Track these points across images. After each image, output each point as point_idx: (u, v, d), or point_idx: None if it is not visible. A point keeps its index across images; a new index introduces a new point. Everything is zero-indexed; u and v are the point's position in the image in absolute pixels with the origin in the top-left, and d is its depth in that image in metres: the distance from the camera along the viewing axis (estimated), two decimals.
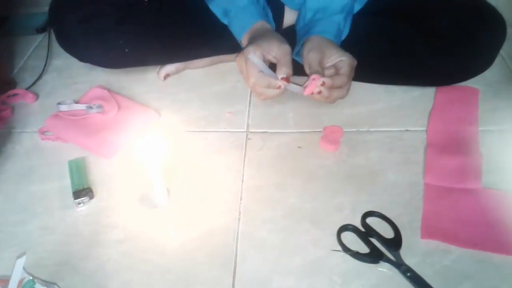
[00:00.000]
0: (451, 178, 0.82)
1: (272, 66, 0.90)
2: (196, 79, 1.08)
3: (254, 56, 0.86)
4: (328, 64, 0.88)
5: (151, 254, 0.74)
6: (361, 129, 0.93)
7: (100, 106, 0.96)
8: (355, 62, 0.88)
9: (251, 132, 0.94)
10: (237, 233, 0.77)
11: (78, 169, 0.86)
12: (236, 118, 0.97)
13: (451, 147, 0.87)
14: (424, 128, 0.92)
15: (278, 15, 1.03)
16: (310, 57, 0.88)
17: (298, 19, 0.98)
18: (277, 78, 0.86)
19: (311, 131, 0.93)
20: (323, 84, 0.85)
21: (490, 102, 0.97)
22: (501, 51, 0.99)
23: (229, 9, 0.95)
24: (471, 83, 0.99)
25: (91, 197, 0.82)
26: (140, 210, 0.81)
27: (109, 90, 1.02)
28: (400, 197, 0.80)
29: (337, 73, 0.88)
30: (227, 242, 0.75)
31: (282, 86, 0.86)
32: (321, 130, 0.92)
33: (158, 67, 1.08)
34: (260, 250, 0.74)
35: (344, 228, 0.75)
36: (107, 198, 0.83)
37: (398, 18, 0.95)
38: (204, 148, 0.91)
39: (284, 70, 0.87)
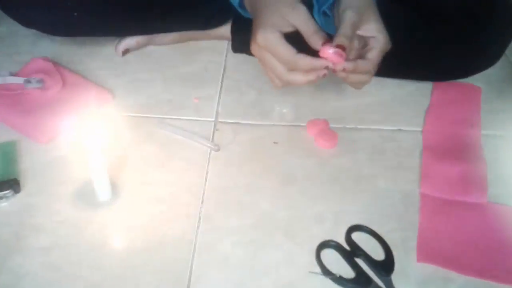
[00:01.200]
0: (451, 188, 0.70)
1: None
2: (161, 57, 0.93)
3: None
4: (360, 33, 0.70)
5: (84, 268, 0.60)
6: (347, 126, 0.80)
7: (40, 81, 0.80)
8: (389, 47, 0.71)
9: (220, 122, 0.80)
10: (195, 245, 0.63)
11: (4, 156, 0.70)
12: (204, 104, 0.83)
13: (451, 151, 0.76)
14: (419, 128, 0.80)
15: None
16: (346, 16, 0.68)
17: None
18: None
19: (290, 125, 0.80)
20: (344, 70, 0.67)
21: (492, 103, 0.86)
22: None
23: None
24: (471, 81, 0.88)
25: (17, 191, 0.67)
26: (76, 210, 0.66)
27: (54, 63, 0.86)
28: (392, 208, 0.68)
29: (365, 49, 0.71)
30: (181, 256, 0.61)
31: (330, 65, 0.66)
32: (301, 124, 0.79)
33: (117, 39, 0.93)
34: (222, 268, 0.60)
35: (325, 244, 0.62)
36: (36, 193, 0.68)
37: None
38: (163, 138, 0.77)
39: (316, 37, 0.65)
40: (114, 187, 0.68)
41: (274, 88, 0.70)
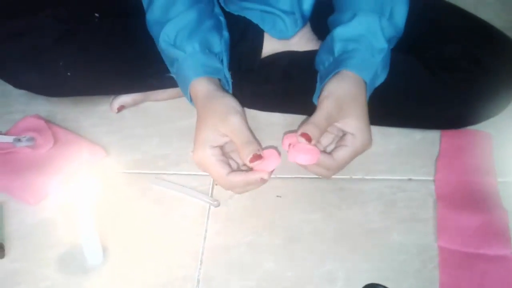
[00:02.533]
0: (471, 240, 0.65)
1: None
2: (157, 112, 0.90)
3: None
4: (339, 126, 0.67)
5: None
6: (354, 176, 0.75)
7: (31, 139, 0.77)
8: (367, 147, 0.67)
9: None
10: None
11: None
12: None
13: (468, 201, 0.71)
14: (430, 178, 0.76)
15: (256, 42, 0.87)
16: (323, 104, 0.65)
17: (319, 55, 0.75)
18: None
19: (294, 177, 0.75)
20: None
21: (505, 149, 0.81)
22: None
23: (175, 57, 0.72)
24: (480, 128, 0.84)
25: (1, 257, 0.61)
26: (64, 276, 0.61)
27: (47, 121, 0.83)
28: (408, 264, 0.62)
29: (338, 142, 0.68)
30: None
31: (266, 177, 0.64)
32: (304, 176, 0.75)
33: (112, 97, 0.90)
34: None
35: None
36: (21, 258, 0.63)
37: (398, 46, 0.80)
38: (158, 195, 0.72)
39: (246, 150, 0.62)
40: (105, 250, 0.63)
41: None
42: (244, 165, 0.65)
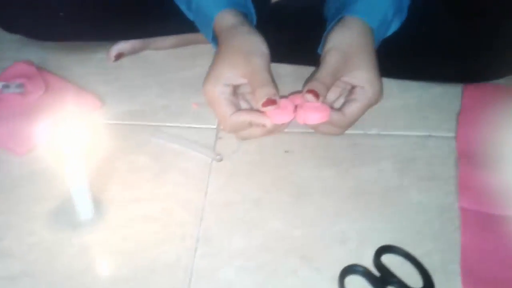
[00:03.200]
0: (496, 202, 0.59)
1: None
2: (158, 61, 0.84)
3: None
4: (346, 79, 0.62)
5: None
6: (368, 132, 0.69)
7: (20, 85, 0.71)
8: (379, 100, 0.62)
9: (223, 129, 0.70)
10: (191, 272, 0.52)
11: None
12: (205, 110, 0.73)
13: (491, 160, 0.65)
14: (451, 134, 0.70)
15: None
16: (328, 58, 0.61)
17: (327, 1, 0.71)
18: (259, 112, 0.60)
19: (303, 132, 0.69)
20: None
21: None
22: None
23: None
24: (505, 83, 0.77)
25: None
26: (51, 231, 0.56)
27: (39, 68, 0.77)
28: (428, 226, 0.57)
29: (347, 97, 0.63)
30: (175, 285, 0.51)
31: (268, 124, 0.59)
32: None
33: (109, 44, 0.84)
34: None
35: (349, 269, 0.51)
36: (6, 211, 0.58)
37: None
38: (157, 148, 0.67)
39: (261, 92, 0.58)
40: (98, 204, 0.58)
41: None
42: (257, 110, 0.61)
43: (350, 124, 0.63)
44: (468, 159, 0.65)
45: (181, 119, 0.72)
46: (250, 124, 0.60)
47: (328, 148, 0.67)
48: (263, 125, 0.59)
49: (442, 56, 0.74)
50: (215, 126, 0.71)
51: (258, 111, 0.60)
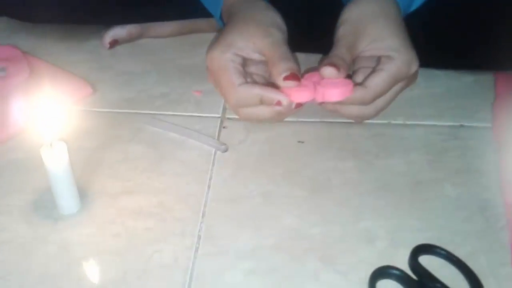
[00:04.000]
0: None
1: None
2: (157, 49, 0.77)
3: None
4: (365, 53, 0.54)
5: None
6: (393, 121, 0.62)
7: (2, 69, 0.64)
8: (411, 70, 0.53)
9: (228, 118, 0.62)
10: (191, 275, 0.44)
11: None
12: (208, 98, 0.66)
13: None
14: (486, 124, 0.62)
15: None
16: (338, 34, 0.54)
17: None
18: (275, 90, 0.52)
19: (318, 121, 0.61)
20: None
21: None
22: None
23: None
24: None
25: None
26: (28, 226, 0.48)
27: (24, 52, 0.70)
28: (469, 223, 0.48)
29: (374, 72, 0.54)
30: None
31: (285, 102, 0.51)
32: (333, 120, 0.61)
33: (103, 29, 0.77)
34: None
35: (381, 272, 0.43)
36: None
37: None
38: (154, 137, 0.59)
39: (284, 65, 0.51)
40: (84, 197, 0.50)
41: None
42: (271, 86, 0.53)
43: (375, 97, 0.53)
44: (508, 151, 0.57)
45: (182, 107, 0.64)
46: (261, 101, 0.52)
47: (347, 138, 0.59)
48: (278, 103, 0.51)
49: (473, 38, 0.66)
50: (219, 115, 0.63)
51: (272, 86, 0.52)
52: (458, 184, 0.53)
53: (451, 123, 0.62)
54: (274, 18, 0.56)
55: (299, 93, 0.51)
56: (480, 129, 0.61)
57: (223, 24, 0.61)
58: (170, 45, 0.78)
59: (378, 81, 0.52)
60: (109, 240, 0.47)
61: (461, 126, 0.61)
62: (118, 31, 0.76)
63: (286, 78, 0.50)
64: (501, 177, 0.53)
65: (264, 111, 0.53)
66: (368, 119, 0.57)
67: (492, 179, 0.53)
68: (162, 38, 0.79)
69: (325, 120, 0.62)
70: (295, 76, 0.50)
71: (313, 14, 0.70)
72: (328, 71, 0.50)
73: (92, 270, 0.44)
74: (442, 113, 0.63)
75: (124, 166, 0.55)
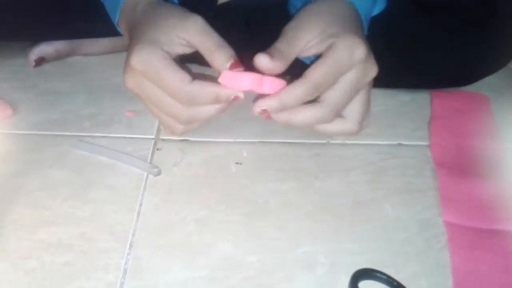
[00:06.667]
0: (484, 214, 0.51)
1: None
2: (87, 67, 0.73)
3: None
4: (311, 50, 0.49)
5: None
6: (332, 141, 0.60)
7: None
8: (357, 53, 0.47)
9: (163, 139, 0.59)
10: None
11: None
12: (141, 119, 0.62)
13: (473, 168, 0.57)
14: (424, 143, 0.62)
15: None
16: (283, 29, 0.50)
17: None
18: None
19: (258, 141, 0.59)
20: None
21: (506, 112, 0.68)
22: None
23: None
24: (469, 89, 0.70)
25: None
26: None
27: None
28: (409, 245, 0.47)
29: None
30: None
31: (242, 96, 0.47)
32: (270, 140, 0.59)
33: (29, 46, 0.72)
34: None
35: None
36: None
37: None
38: (80, 161, 0.55)
39: (222, 54, 0.46)
40: None
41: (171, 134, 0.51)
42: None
43: (318, 87, 0.47)
44: (447, 169, 0.57)
45: (113, 128, 0.60)
46: (216, 99, 0.46)
47: (286, 159, 0.57)
48: (235, 99, 0.46)
49: (409, 57, 0.66)
50: (153, 136, 0.59)
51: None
52: (398, 204, 0.52)
53: (390, 142, 0.61)
54: (186, 10, 0.50)
55: (242, 80, 0.45)
56: (418, 148, 0.61)
57: (129, 29, 0.54)
58: (102, 63, 0.74)
59: (316, 68, 0.46)
60: (22, 277, 0.42)
61: (399, 144, 0.61)
62: (45, 48, 0.71)
63: (232, 66, 0.46)
64: (441, 196, 0.53)
65: (209, 110, 0.48)
66: (328, 121, 0.50)
67: (431, 198, 0.53)
68: (94, 56, 0.75)
69: (264, 140, 0.59)
70: (238, 62, 0.46)
71: (253, 29, 0.68)
72: (260, 59, 0.45)
73: None
74: (380, 132, 0.63)
75: (43, 193, 0.50)
